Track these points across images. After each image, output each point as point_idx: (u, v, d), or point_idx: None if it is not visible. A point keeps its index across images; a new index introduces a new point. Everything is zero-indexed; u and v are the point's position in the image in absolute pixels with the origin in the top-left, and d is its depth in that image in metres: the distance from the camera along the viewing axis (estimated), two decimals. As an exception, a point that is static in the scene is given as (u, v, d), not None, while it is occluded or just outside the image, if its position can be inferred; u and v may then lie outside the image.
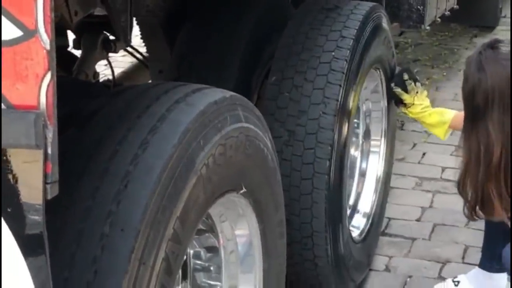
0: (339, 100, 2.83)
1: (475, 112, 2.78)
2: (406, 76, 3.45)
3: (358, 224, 3.39)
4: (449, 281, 3.31)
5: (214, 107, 1.89)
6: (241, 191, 2.06)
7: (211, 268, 2.26)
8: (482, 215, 2.88)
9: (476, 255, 3.43)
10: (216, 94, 1.96)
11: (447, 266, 3.55)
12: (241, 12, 3.37)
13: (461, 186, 2.89)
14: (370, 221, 3.45)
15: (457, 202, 4.01)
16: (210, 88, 2.00)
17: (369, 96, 3.43)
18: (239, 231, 2.21)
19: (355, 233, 3.28)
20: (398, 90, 3.42)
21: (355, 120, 3.27)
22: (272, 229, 2.30)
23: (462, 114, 3.15)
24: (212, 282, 2.27)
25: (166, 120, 1.76)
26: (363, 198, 3.50)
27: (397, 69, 3.59)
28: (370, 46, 3.08)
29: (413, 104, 3.39)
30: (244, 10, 3.39)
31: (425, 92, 3.46)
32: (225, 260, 2.23)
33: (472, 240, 3.70)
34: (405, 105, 3.43)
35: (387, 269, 3.52)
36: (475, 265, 3.35)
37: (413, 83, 3.43)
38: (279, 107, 2.83)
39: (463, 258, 3.61)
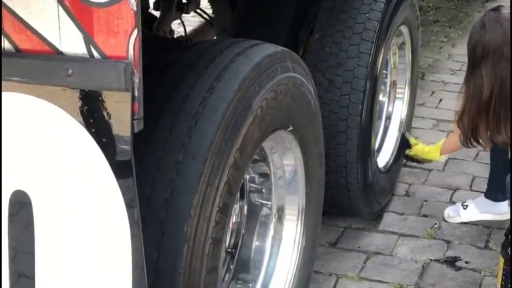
0: (371, 54, 2.81)
1: (474, 61, 2.78)
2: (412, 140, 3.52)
3: (384, 157, 3.38)
4: (458, 204, 3.31)
5: (268, 59, 1.88)
6: (289, 129, 2.06)
7: (263, 190, 2.28)
8: (474, 143, 2.88)
9: (482, 184, 3.40)
10: (270, 48, 1.95)
11: (457, 192, 3.53)
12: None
13: (459, 119, 2.88)
14: (394, 156, 3.44)
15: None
16: (264, 44, 1.98)
17: (396, 51, 3.38)
18: (286, 161, 2.22)
19: (381, 164, 3.27)
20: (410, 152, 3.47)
21: (384, 71, 3.23)
22: (313, 160, 2.30)
23: (449, 139, 3.34)
24: (264, 202, 2.29)
25: (229, 70, 1.76)
26: (389, 136, 3.49)
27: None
28: (398, 9, 3.02)
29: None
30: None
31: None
32: (274, 184, 2.26)
33: (479, 171, 3.67)
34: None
35: (406, 194, 3.52)
36: (481, 192, 3.34)
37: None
38: (321, 60, 2.81)
39: (470, 186, 3.59)
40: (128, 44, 1.23)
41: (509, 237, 2.67)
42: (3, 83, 1.28)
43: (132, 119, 1.26)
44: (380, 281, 2.83)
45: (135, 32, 1.22)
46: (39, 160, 1.30)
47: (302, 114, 2.13)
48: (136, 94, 1.25)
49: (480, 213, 3.26)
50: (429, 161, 3.46)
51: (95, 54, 1.25)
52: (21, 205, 1.35)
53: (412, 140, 3.49)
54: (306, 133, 2.20)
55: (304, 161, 2.24)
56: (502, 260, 2.69)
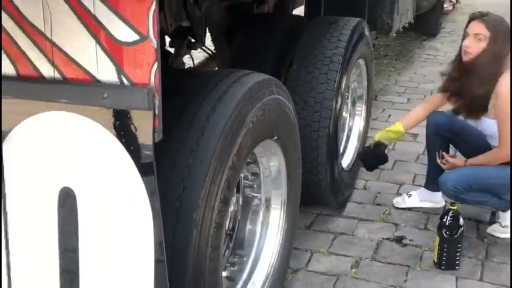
0: (336, 81, 2.76)
1: None
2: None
3: (346, 160, 3.32)
4: (404, 195, 3.22)
5: (258, 85, 1.86)
6: (274, 138, 2.03)
7: (254, 186, 2.24)
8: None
9: (421, 180, 3.32)
10: (259, 76, 1.92)
11: (403, 186, 3.45)
12: (275, 26, 3.31)
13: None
14: (354, 158, 3.38)
15: (409, 147, 4.01)
16: (254, 73, 1.95)
17: (355, 78, 3.34)
18: (272, 163, 2.18)
19: (344, 165, 3.21)
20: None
21: (346, 94, 3.19)
22: (293, 162, 2.25)
23: (410, 117, 3.11)
24: (255, 194, 2.25)
25: (227, 94, 1.73)
26: (350, 143, 3.42)
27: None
28: (357, 46, 2.97)
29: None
30: (277, 24, 3.33)
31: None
32: (263, 181, 2.22)
33: (419, 170, 3.59)
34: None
35: (364, 188, 3.44)
36: (421, 186, 3.26)
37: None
38: (298, 85, 2.76)
39: (413, 181, 3.51)
40: (150, 74, 1.20)
41: (443, 220, 2.67)
42: (54, 104, 1.25)
43: (153, 131, 1.23)
44: (344, 255, 2.75)
45: (156, 65, 1.20)
46: (82, 162, 1.27)
47: (284, 127, 2.09)
48: (156, 112, 1.23)
49: (420, 201, 3.17)
50: (396, 138, 3.12)
51: (125, 81, 1.22)
52: (67, 198, 1.31)
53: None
54: (287, 141, 2.16)
55: (286, 163, 2.20)
56: (437, 238, 2.68)
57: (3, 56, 1.27)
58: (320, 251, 2.79)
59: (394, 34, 4.14)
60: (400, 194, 3.30)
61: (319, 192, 2.93)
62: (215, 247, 1.67)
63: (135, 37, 1.17)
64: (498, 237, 2.89)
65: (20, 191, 1.33)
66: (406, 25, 4.70)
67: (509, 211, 2.85)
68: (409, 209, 3.18)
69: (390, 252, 2.80)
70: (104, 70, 1.22)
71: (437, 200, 3.17)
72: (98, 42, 1.19)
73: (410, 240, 2.90)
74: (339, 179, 3.02)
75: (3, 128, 1.29)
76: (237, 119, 1.70)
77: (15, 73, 1.27)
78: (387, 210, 3.18)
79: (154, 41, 1.17)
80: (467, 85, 2.73)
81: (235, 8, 3.44)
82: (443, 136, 2.99)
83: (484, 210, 3.07)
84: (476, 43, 2.69)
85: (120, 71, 1.21)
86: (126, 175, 1.26)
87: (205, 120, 1.65)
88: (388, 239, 2.91)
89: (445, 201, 3.11)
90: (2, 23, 1.23)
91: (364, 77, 3.40)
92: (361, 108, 3.51)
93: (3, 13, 1.23)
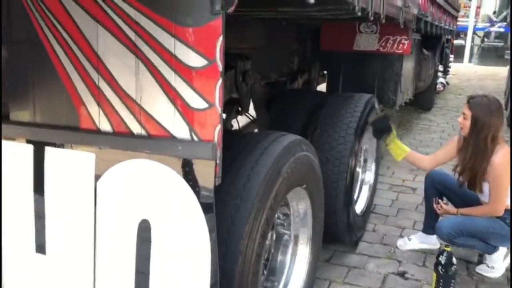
0: (352, 143, 2.74)
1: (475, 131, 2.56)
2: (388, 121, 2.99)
3: (359, 207, 3.23)
4: (405, 238, 3.12)
5: (291, 143, 1.85)
6: (303, 186, 2.01)
7: (285, 224, 2.19)
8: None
9: (420, 225, 3.20)
10: (292, 137, 1.91)
11: (405, 230, 3.34)
12: (303, 98, 3.34)
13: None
14: (366, 206, 3.30)
15: (409, 198, 3.93)
16: (289, 134, 1.94)
17: (367, 141, 3.32)
18: (300, 206, 2.14)
19: (358, 211, 3.13)
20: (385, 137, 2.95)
21: (360, 154, 3.17)
22: (317, 206, 2.21)
23: (416, 156, 2.95)
24: (285, 231, 2.20)
25: (268, 149, 1.73)
26: (362, 193, 3.34)
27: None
28: (369, 115, 2.97)
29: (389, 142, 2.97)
30: (305, 97, 3.36)
31: (394, 132, 2.98)
32: (292, 221, 2.17)
33: (418, 218, 3.48)
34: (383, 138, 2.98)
35: (373, 230, 3.34)
36: (419, 230, 3.14)
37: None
38: (321, 145, 2.73)
39: (413, 226, 3.40)
40: (214, 133, 1.22)
41: (439, 259, 2.57)
42: (140, 153, 1.27)
43: (215, 177, 1.23)
44: (357, 285, 2.66)
45: (219, 126, 1.22)
46: (158, 199, 1.28)
47: (311, 177, 2.07)
48: (217, 162, 1.23)
49: (419, 243, 3.06)
50: (395, 151, 2.92)
51: (195, 137, 1.23)
52: (145, 227, 1.31)
53: (394, 132, 2.97)
54: (313, 189, 2.13)
55: (311, 207, 2.16)
56: (434, 274, 2.57)
57: (102, 115, 1.32)
58: (337, 281, 2.71)
59: (397, 108, 4.12)
60: (403, 237, 3.20)
61: (337, 232, 2.85)
62: (255, 272, 1.64)
63: (205, 104, 1.20)
64: (486, 276, 2.77)
65: (108, 219, 1.35)
66: (407, 100, 4.69)
67: (494, 254, 2.74)
68: (410, 249, 3.06)
69: (394, 284, 2.70)
70: (179, 128, 1.24)
71: (433, 242, 3.06)
72: (176, 107, 1.23)
73: (411, 274, 2.79)
74: (353, 222, 2.94)
75: (99, 171, 1.33)
76: (275, 170, 1.69)
77: (111, 129, 1.32)
78: (392, 249, 3.07)
79: (218, 108, 1.20)
80: (466, 158, 2.63)
81: (273, 84, 3.50)
82: (438, 189, 2.93)
83: (472, 253, 2.95)
84: (464, 121, 2.62)
85: (191, 129, 1.24)
86: (192, 212, 1.26)
87: (250, 170, 1.65)
88: (393, 273, 2.81)
89: (440, 243, 3.01)
90: (104, 93, 1.29)
91: (374, 140, 3.36)
92: (371, 165, 3.45)
93: (104, 83, 1.29)
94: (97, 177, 1.33)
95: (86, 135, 1.33)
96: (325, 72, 4.29)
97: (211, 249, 1.27)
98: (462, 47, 12.91)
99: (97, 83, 1.30)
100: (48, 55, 1.34)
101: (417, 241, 3.08)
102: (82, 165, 1.35)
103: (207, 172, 1.23)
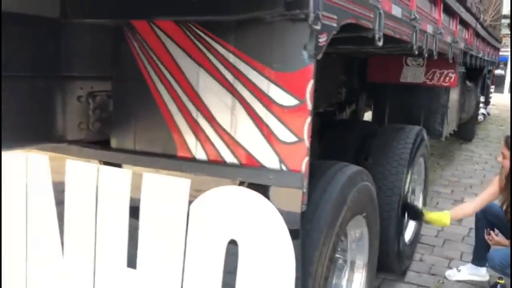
0: (404, 173, 2.82)
1: None
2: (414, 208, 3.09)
3: (408, 236, 3.28)
4: (454, 269, 3.18)
5: (354, 174, 1.94)
6: (363, 215, 2.08)
7: (343, 250, 2.22)
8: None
9: (467, 257, 3.28)
10: (355, 168, 2.00)
11: (452, 261, 3.39)
12: (351, 128, 3.46)
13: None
14: (413, 235, 3.34)
15: (455, 229, 3.92)
16: (351, 165, 2.02)
17: (416, 172, 3.36)
18: (358, 232, 2.21)
19: (406, 240, 3.18)
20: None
21: (409, 183, 3.23)
22: (373, 234, 2.28)
23: (459, 211, 3.06)
24: (342, 257, 2.24)
25: (334, 179, 1.80)
26: (410, 223, 3.37)
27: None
28: (419, 148, 3.05)
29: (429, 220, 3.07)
30: (353, 127, 3.47)
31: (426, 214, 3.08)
32: (349, 247, 2.23)
33: (465, 249, 3.53)
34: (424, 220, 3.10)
35: (420, 260, 3.40)
36: (467, 262, 3.20)
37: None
38: (374, 175, 2.74)
39: (460, 258, 3.44)
40: (302, 164, 1.34)
41: (491, 291, 2.62)
42: (232, 181, 1.39)
43: (301, 204, 1.34)
44: None
45: (307, 158, 1.34)
46: (248, 222, 1.40)
47: (370, 206, 2.14)
48: (304, 191, 1.34)
49: (468, 274, 3.11)
50: (440, 225, 3.09)
51: (284, 168, 1.36)
52: (233, 247, 1.43)
53: (422, 212, 3.07)
54: (371, 218, 2.20)
55: (368, 234, 2.23)
56: None
57: (199, 145, 1.48)
58: None
59: (443, 139, 4.18)
60: (451, 268, 3.24)
61: (387, 261, 2.89)
62: (322, 293, 1.74)
63: (294, 139, 1.34)
64: (537, 311, 2.80)
65: (199, 238, 1.50)
66: (452, 132, 4.75)
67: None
68: (459, 281, 3.11)
69: (445, 314, 2.76)
70: (270, 160, 1.38)
71: (482, 274, 3.10)
72: (268, 141, 1.37)
73: (461, 305, 2.84)
74: (402, 251, 3.00)
75: (193, 195, 1.48)
76: (341, 199, 1.79)
77: (206, 158, 1.48)
78: (440, 279, 3.12)
79: (307, 142, 1.34)
80: (510, 196, 2.73)
81: (323, 114, 3.63)
82: (490, 220, 2.98)
83: None
84: (503, 160, 2.76)
85: (281, 161, 1.37)
86: (279, 236, 1.37)
87: (319, 198, 1.73)
88: None
89: (490, 275, 3.04)
90: (201, 125, 1.46)
91: (423, 171, 3.44)
92: (419, 195, 3.48)
93: (202, 118, 1.47)
94: (190, 201, 1.49)
95: (183, 163, 1.50)
96: (371, 102, 4.41)
97: (296, 274, 1.38)
98: (502, 77, 12.79)
99: (195, 117, 1.47)
100: (151, 92, 1.53)
101: (467, 272, 3.12)
102: (177, 190, 1.51)
103: (295, 200, 1.35)
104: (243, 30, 1.36)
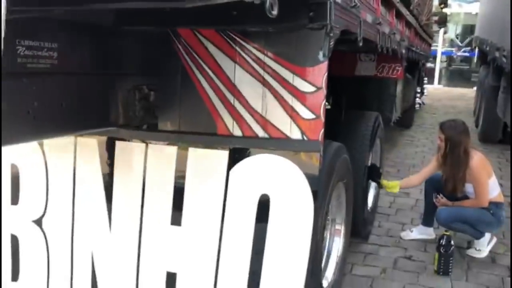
0: (367, 151, 3.34)
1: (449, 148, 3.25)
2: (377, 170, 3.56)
3: (369, 205, 3.73)
4: (408, 230, 3.76)
5: (338, 148, 2.42)
6: (344, 181, 2.54)
7: None
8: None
9: (416, 221, 3.87)
10: (336, 143, 2.42)
11: (405, 225, 3.94)
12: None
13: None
14: (373, 203, 3.84)
15: (405, 201, 4.50)
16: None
17: (374, 150, 3.76)
18: (338, 195, 2.58)
19: (368, 208, 3.65)
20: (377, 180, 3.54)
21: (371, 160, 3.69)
22: (349, 197, 2.73)
23: (406, 182, 3.61)
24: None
25: (326, 152, 2.12)
26: (370, 193, 3.80)
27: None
28: (377, 129, 3.57)
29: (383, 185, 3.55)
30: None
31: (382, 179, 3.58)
32: (331, 207, 2.53)
33: (414, 215, 4.12)
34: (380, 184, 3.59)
35: (379, 226, 3.93)
36: (417, 225, 3.78)
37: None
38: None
39: (411, 222, 4.00)
40: (319, 134, 1.80)
41: (440, 241, 3.23)
42: (265, 150, 1.83)
43: (319, 166, 1.79)
44: (375, 266, 3.27)
45: (322, 130, 1.80)
46: (277, 179, 1.85)
47: (347, 175, 2.57)
48: (321, 153, 1.81)
49: (419, 234, 3.68)
50: (391, 190, 3.53)
51: (305, 138, 1.81)
52: (265, 203, 1.87)
53: (382, 179, 3.57)
54: (348, 184, 2.64)
55: (346, 197, 2.67)
56: (436, 254, 3.19)
57: (235, 124, 1.93)
58: (358, 263, 3.32)
59: (392, 124, 4.80)
60: (404, 230, 3.85)
61: (354, 226, 3.25)
62: (321, 239, 2.26)
63: (313, 116, 1.81)
64: (474, 257, 3.47)
65: (236, 195, 1.93)
66: (397, 118, 5.41)
67: (481, 239, 3.44)
68: (412, 239, 3.71)
69: (404, 265, 3.33)
70: (294, 132, 1.84)
71: (430, 233, 3.73)
72: (292, 118, 1.83)
73: (416, 257, 3.43)
74: (366, 217, 3.54)
75: (231, 163, 1.92)
76: (331, 168, 2.25)
77: (241, 134, 1.93)
78: (397, 240, 3.72)
79: (322, 118, 1.80)
80: (447, 170, 3.35)
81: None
82: (436, 187, 3.62)
83: (463, 240, 3.64)
84: (440, 143, 3.38)
85: (303, 133, 1.84)
86: (303, 189, 1.82)
87: None
88: (401, 257, 3.43)
89: (436, 234, 3.68)
90: (237, 109, 1.91)
91: (379, 150, 3.99)
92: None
93: (238, 103, 1.91)
94: (229, 168, 1.94)
95: (223, 138, 1.94)
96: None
97: (313, 219, 1.85)
98: (432, 70, 14.00)
99: (232, 103, 1.92)
100: (194, 84, 1.96)
101: (418, 233, 3.75)
102: (218, 160, 1.95)
103: (314, 161, 1.84)
104: (273, 35, 1.83)
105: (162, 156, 2.05)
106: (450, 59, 17.29)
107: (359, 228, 3.49)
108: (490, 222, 3.33)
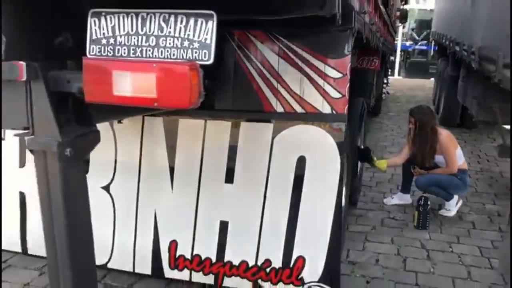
0: (358, 131, 3.99)
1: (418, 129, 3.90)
2: (370, 152, 4.12)
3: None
4: (389, 197, 4.42)
5: None
6: (347, 152, 3.26)
7: None
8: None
9: (394, 190, 4.53)
10: None
11: (385, 194, 4.58)
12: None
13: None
14: (359, 174, 4.48)
15: (384, 176, 4.95)
16: None
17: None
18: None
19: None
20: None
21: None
22: (349, 165, 3.29)
23: (393, 161, 4.25)
24: None
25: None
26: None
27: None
28: (364, 113, 4.19)
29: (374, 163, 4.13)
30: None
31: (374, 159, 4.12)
32: None
33: (391, 186, 4.77)
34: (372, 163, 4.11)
35: (364, 195, 4.57)
36: (395, 193, 4.46)
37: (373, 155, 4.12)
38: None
39: (390, 191, 4.64)
40: (344, 110, 2.35)
41: (419, 202, 3.91)
42: (301, 122, 2.42)
43: (344, 135, 2.35)
44: (365, 224, 3.89)
45: (347, 106, 2.37)
46: (312, 144, 2.40)
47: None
48: (346, 123, 2.38)
49: (399, 200, 4.34)
50: (380, 168, 4.14)
51: (334, 112, 2.36)
52: (302, 163, 2.44)
53: (374, 159, 4.11)
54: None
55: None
56: (416, 212, 3.85)
57: (278, 103, 2.51)
58: (352, 223, 3.96)
59: (370, 109, 5.46)
60: (386, 197, 4.54)
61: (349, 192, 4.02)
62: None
63: (340, 95, 2.38)
64: (445, 216, 4.21)
65: (278, 157, 2.47)
66: (372, 105, 6.11)
67: (451, 200, 4.18)
68: (393, 204, 4.42)
69: (389, 223, 4.01)
70: (325, 108, 2.41)
71: (407, 199, 4.43)
72: (324, 97, 2.41)
73: (398, 217, 4.12)
74: (356, 186, 4.20)
75: (275, 133, 2.51)
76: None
77: (283, 110, 2.50)
78: (381, 205, 4.40)
79: (347, 96, 2.38)
80: (418, 147, 4.03)
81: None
82: (411, 161, 4.34)
83: (435, 204, 4.34)
84: (411, 125, 4.06)
85: (332, 108, 2.41)
86: (332, 153, 2.38)
87: None
88: (386, 218, 4.11)
89: (412, 199, 4.40)
90: (280, 91, 2.50)
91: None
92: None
93: (280, 87, 2.50)
94: (273, 137, 2.52)
95: (268, 114, 2.52)
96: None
97: (339, 178, 2.44)
98: (393, 62, 14.96)
99: (276, 87, 2.50)
100: (244, 72, 2.52)
101: (398, 199, 4.45)
102: (264, 131, 2.52)
103: (341, 130, 2.41)
104: (310, 34, 2.42)
105: (219, 129, 2.61)
106: (407, 52, 18.41)
107: (351, 194, 4.14)
108: (458, 186, 4.07)
